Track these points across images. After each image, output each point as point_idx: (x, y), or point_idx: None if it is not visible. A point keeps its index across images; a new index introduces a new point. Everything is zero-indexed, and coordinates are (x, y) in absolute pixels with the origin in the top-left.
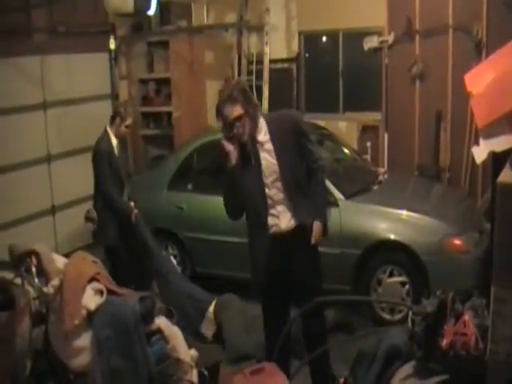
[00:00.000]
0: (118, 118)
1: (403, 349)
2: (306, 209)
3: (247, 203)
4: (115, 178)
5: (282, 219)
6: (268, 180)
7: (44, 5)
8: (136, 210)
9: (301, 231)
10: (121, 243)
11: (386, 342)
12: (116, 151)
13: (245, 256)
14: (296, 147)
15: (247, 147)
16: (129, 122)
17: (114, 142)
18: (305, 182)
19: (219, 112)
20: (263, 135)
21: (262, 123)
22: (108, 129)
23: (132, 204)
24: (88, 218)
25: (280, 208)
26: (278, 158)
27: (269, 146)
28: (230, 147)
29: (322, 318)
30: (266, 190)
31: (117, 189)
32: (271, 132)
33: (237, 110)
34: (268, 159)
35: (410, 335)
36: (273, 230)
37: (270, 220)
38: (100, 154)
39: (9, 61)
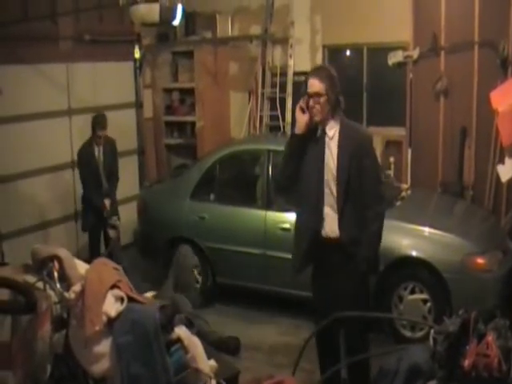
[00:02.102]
0: (91, 128)
1: (424, 367)
2: (354, 225)
3: (302, 188)
4: (94, 177)
5: (327, 223)
6: (325, 176)
7: (71, 13)
8: (107, 208)
9: (346, 247)
10: (97, 230)
11: (407, 360)
12: (97, 155)
13: (265, 267)
14: (358, 165)
15: (317, 132)
16: (99, 133)
17: (97, 147)
18: (357, 201)
19: (306, 80)
20: (333, 132)
21: (337, 121)
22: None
23: (107, 202)
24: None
25: (327, 210)
26: (338, 162)
27: (334, 145)
28: (300, 115)
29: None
30: (323, 186)
31: (95, 187)
32: (341, 134)
33: (318, 88)
34: (329, 157)
35: (431, 354)
36: (321, 232)
37: (318, 218)
38: (79, 157)
39: (35, 67)
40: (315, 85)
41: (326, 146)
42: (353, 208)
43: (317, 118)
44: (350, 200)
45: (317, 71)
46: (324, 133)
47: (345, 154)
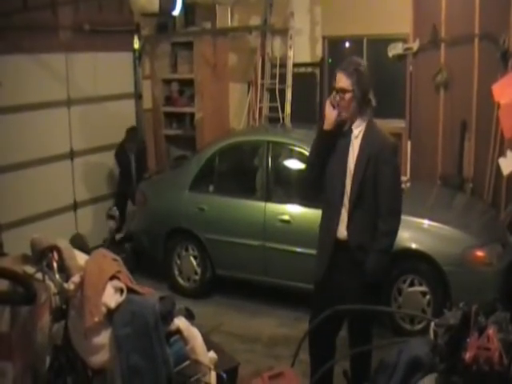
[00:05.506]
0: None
1: (425, 360)
2: (363, 231)
3: (327, 188)
4: (125, 171)
5: (341, 224)
6: (347, 175)
7: (70, 3)
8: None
9: (354, 251)
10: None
11: (407, 353)
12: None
13: (265, 259)
14: (375, 170)
15: (344, 128)
16: (128, 145)
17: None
18: (371, 208)
19: (335, 73)
20: (358, 131)
21: (364, 120)
22: None
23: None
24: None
25: (343, 211)
26: (356, 162)
27: (357, 144)
28: (330, 111)
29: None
30: (344, 185)
31: (124, 178)
32: (365, 135)
33: (344, 83)
34: (351, 156)
35: (432, 347)
36: (337, 234)
37: (337, 219)
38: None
39: (35, 57)
40: (341, 80)
41: (351, 144)
42: (364, 213)
43: (344, 114)
44: (362, 204)
45: (345, 65)
46: (350, 130)
47: (364, 156)
